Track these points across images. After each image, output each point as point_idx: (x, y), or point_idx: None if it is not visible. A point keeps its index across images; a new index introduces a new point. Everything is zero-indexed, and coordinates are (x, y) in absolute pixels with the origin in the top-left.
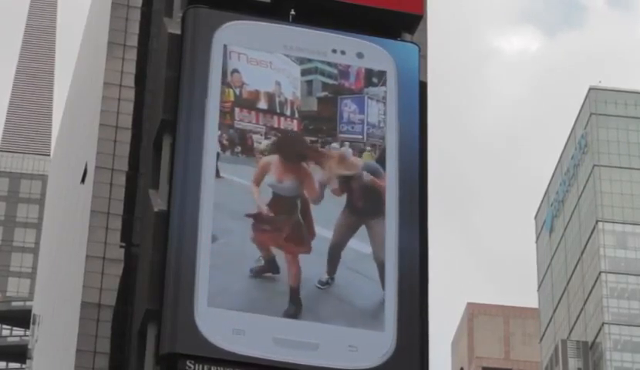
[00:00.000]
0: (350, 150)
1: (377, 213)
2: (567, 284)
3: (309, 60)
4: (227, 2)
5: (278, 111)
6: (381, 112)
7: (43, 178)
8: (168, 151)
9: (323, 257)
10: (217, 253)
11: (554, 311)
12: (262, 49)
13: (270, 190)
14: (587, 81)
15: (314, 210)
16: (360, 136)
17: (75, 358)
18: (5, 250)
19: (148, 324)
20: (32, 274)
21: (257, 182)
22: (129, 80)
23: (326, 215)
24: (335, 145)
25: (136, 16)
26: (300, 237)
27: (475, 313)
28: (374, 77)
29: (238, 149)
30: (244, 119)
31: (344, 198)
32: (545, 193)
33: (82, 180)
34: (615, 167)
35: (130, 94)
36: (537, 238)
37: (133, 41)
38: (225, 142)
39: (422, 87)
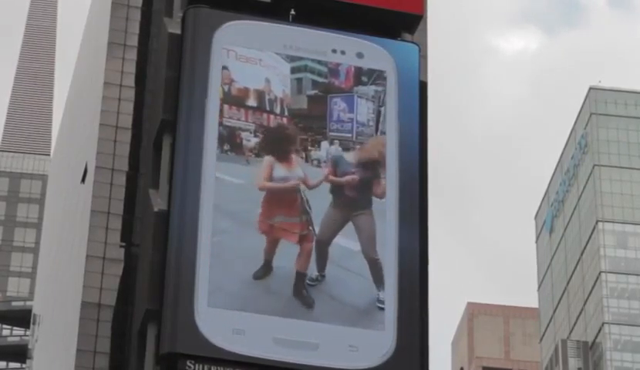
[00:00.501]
0: (340, 148)
1: (364, 208)
2: (567, 284)
3: (299, 58)
4: (227, 2)
5: (268, 108)
6: (370, 111)
7: (43, 178)
8: (168, 151)
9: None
10: (217, 253)
11: (554, 311)
12: (260, 49)
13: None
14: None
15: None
16: (350, 135)
17: (75, 358)
18: (5, 249)
19: (148, 324)
20: (32, 274)
21: (267, 178)
22: (129, 80)
23: (316, 210)
24: (324, 143)
25: (136, 16)
26: (306, 229)
27: (475, 313)
28: (364, 76)
29: (227, 146)
30: (233, 117)
31: (330, 193)
32: (545, 193)
33: (82, 180)
34: (615, 167)
35: (130, 94)
36: (537, 238)
37: (133, 41)
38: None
39: (423, 87)
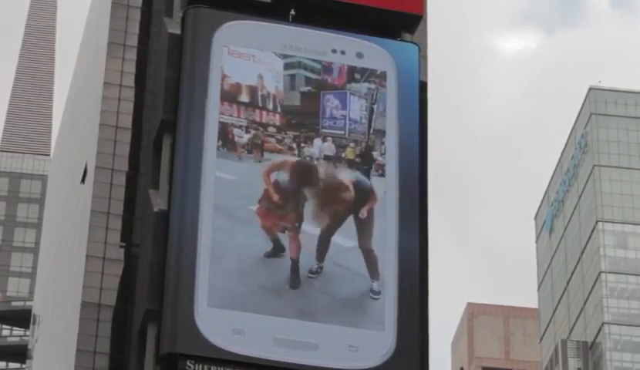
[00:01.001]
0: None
1: (364, 205)
2: (567, 284)
3: (293, 54)
4: (227, 2)
5: (260, 105)
6: (363, 109)
7: (43, 178)
8: (168, 151)
9: (312, 248)
10: (216, 253)
11: (554, 311)
12: (260, 48)
13: (278, 183)
14: (587, 81)
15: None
16: (342, 132)
17: (75, 358)
18: (5, 250)
19: (148, 324)
20: (32, 274)
21: (268, 173)
22: (129, 80)
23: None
24: (317, 140)
25: (136, 16)
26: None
27: (475, 313)
28: (357, 73)
29: (219, 143)
30: (225, 113)
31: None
32: (545, 193)
33: (82, 180)
34: (615, 167)
35: (130, 94)
36: (537, 238)
37: (133, 41)
38: None
39: (423, 87)
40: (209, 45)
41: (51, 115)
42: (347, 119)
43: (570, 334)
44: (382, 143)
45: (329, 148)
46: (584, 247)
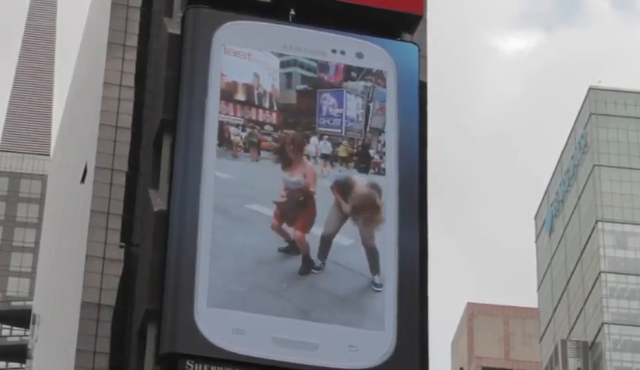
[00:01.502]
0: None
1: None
2: (567, 284)
3: (292, 54)
4: (227, 2)
5: (257, 103)
6: (359, 107)
7: (43, 178)
8: (168, 151)
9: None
10: (216, 253)
11: (554, 311)
12: (260, 48)
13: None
14: (587, 81)
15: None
16: (339, 130)
17: (75, 358)
18: (4, 249)
19: (148, 324)
20: (32, 274)
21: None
22: (129, 80)
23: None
24: (313, 138)
25: (136, 16)
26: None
27: (475, 313)
28: (353, 71)
29: (216, 141)
30: (221, 111)
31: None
32: (545, 193)
33: (82, 180)
34: (615, 167)
35: (130, 94)
36: (537, 238)
37: (133, 41)
38: None
39: (422, 87)
40: (209, 45)
41: (51, 115)
42: (344, 118)
43: (570, 334)
44: (379, 141)
45: (326, 146)
46: (584, 247)
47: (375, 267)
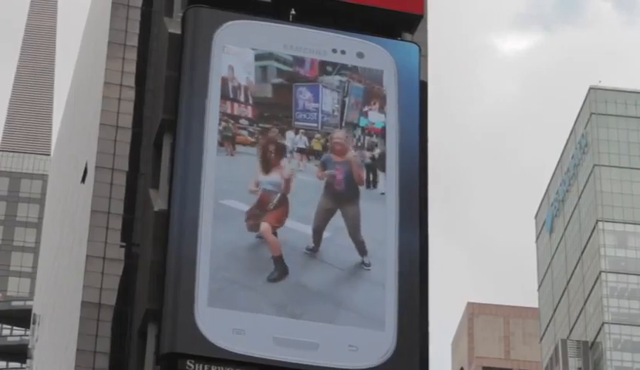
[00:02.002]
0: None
1: (353, 199)
2: (567, 283)
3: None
4: (227, 2)
5: (231, 96)
6: (335, 102)
7: (43, 178)
8: (168, 151)
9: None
10: (215, 252)
11: (554, 311)
12: (260, 48)
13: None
14: (587, 81)
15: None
16: (315, 125)
17: (75, 358)
18: (5, 249)
19: (148, 324)
20: (32, 274)
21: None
22: (130, 80)
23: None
24: (289, 133)
25: (136, 16)
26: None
27: (475, 313)
28: (328, 66)
29: (217, 141)
30: None
31: (323, 182)
32: (545, 193)
33: (83, 180)
34: (615, 167)
35: (130, 94)
36: (537, 238)
37: (133, 41)
38: None
39: (423, 87)
40: (209, 45)
41: (51, 115)
42: (319, 112)
43: (570, 333)
44: (354, 136)
45: (302, 141)
46: (585, 247)
47: (362, 251)
